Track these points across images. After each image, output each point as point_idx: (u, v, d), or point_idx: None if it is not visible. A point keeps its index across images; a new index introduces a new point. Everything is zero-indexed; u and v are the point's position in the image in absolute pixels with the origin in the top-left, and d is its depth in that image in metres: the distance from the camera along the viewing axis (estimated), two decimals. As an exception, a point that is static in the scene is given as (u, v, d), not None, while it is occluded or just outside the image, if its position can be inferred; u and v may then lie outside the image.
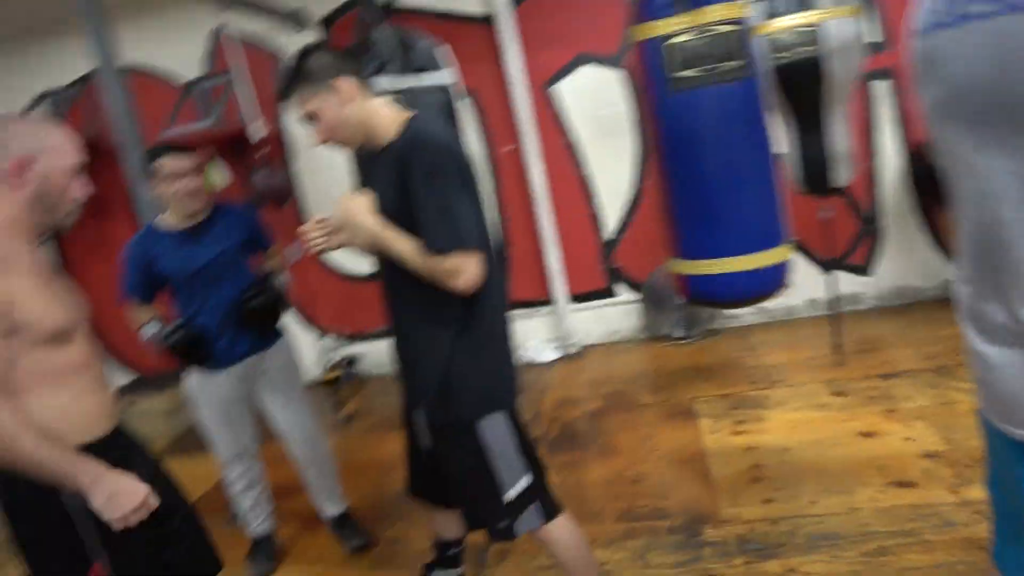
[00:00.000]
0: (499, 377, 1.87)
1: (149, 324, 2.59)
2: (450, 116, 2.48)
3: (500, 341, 1.88)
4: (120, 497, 1.52)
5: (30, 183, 1.52)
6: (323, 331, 5.42)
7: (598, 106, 4.77)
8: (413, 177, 1.68)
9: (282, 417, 2.80)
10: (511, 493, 1.86)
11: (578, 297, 5.10)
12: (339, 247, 1.90)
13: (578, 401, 4.14)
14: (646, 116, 2.62)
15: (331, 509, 2.96)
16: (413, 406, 1.96)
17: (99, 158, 4.87)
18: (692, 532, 2.60)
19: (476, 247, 1.70)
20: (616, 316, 5.09)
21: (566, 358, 4.97)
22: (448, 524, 2.20)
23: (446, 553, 2.26)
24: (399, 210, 1.72)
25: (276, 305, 2.69)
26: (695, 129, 2.40)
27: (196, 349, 2.55)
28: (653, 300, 4.89)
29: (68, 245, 5.55)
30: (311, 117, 1.76)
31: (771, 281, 2.54)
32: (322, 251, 1.90)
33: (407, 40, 2.43)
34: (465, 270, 1.69)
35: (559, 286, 5.01)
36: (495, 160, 4.94)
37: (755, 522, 2.59)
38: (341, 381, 5.18)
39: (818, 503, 2.63)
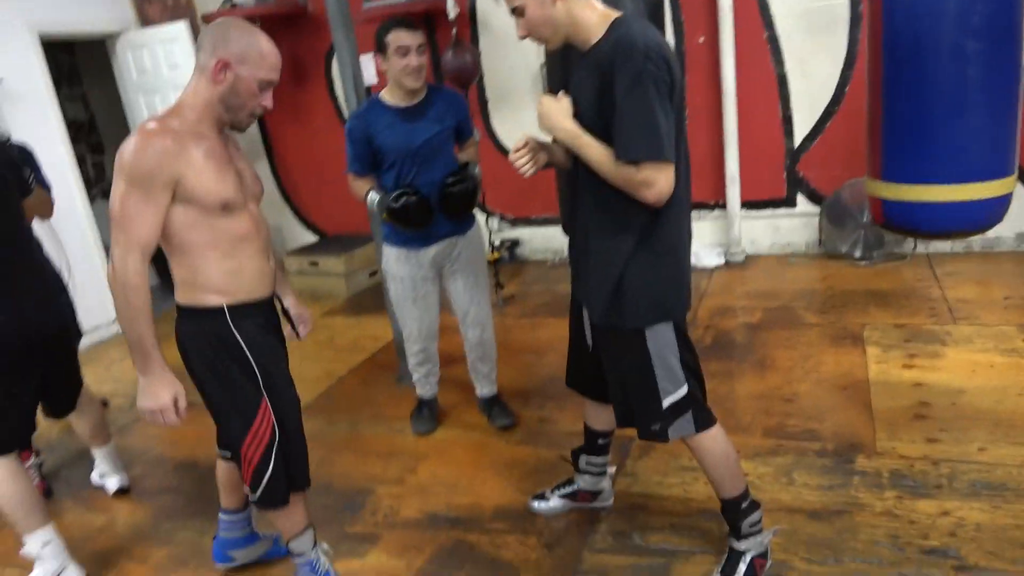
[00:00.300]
0: (672, 288, 1.88)
1: (371, 192, 2.71)
2: (656, 12, 2.32)
3: (678, 252, 1.88)
4: (147, 395, 1.76)
5: (225, 83, 1.73)
6: (489, 213, 5.59)
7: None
8: (615, 84, 1.66)
9: (462, 300, 2.96)
10: (667, 401, 1.91)
11: (752, 204, 4.90)
12: (545, 167, 1.95)
13: (737, 311, 4.07)
14: (869, 16, 2.34)
15: (484, 390, 3.18)
16: (583, 304, 2.03)
17: (302, 27, 5.16)
18: (843, 459, 2.56)
19: (669, 159, 1.68)
20: (791, 228, 4.86)
21: (730, 265, 4.85)
22: (601, 417, 2.30)
23: (596, 442, 2.38)
24: (597, 115, 1.72)
25: (473, 193, 2.74)
26: (930, 37, 2.11)
27: (421, 212, 2.64)
28: (836, 216, 4.60)
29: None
30: (517, 12, 1.76)
31: (986, 215, 2.28)
32: (531, 173, 1.93)
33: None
34: (656, 182, 1.68)
35: (733, 190, 4.82)
36: (685, 52, 4.70)
37: (914, 459, 2.50)
38: (502, 263, 5.38)
39: (988, 451, 2.50)
